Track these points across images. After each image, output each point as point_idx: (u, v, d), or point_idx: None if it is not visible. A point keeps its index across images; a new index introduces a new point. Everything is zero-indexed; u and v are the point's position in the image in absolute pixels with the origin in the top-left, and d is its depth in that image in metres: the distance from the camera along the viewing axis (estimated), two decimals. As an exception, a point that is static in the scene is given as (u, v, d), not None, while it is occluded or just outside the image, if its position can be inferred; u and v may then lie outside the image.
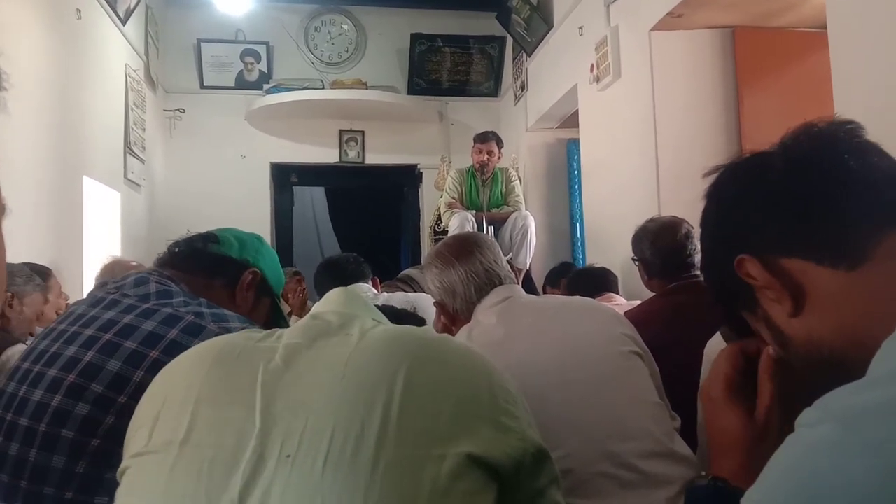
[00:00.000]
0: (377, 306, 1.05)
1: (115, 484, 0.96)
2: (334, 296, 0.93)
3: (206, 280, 1.27)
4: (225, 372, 0.79)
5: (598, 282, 3.03)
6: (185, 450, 0.73)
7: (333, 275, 2.52)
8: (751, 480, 0.64)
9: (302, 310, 3.67)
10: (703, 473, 0.71)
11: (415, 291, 2.54)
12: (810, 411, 0.48)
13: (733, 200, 0.71)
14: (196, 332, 1.07)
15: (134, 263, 2.72)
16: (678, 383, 1.35)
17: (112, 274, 2.40)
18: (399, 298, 2.28)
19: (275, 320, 1.40)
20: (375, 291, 2.37)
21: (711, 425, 0.73)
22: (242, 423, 0.72)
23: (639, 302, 2.25)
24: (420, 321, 1.41)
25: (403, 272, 2.81)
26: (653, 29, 3.23)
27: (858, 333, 0.57)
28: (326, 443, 0.69)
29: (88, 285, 3.51)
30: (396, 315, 1.22)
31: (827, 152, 0.66)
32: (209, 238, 1.34)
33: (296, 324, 0.89)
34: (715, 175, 0.74)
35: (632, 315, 1.98)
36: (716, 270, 0.73)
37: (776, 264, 0.64)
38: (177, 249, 1.33)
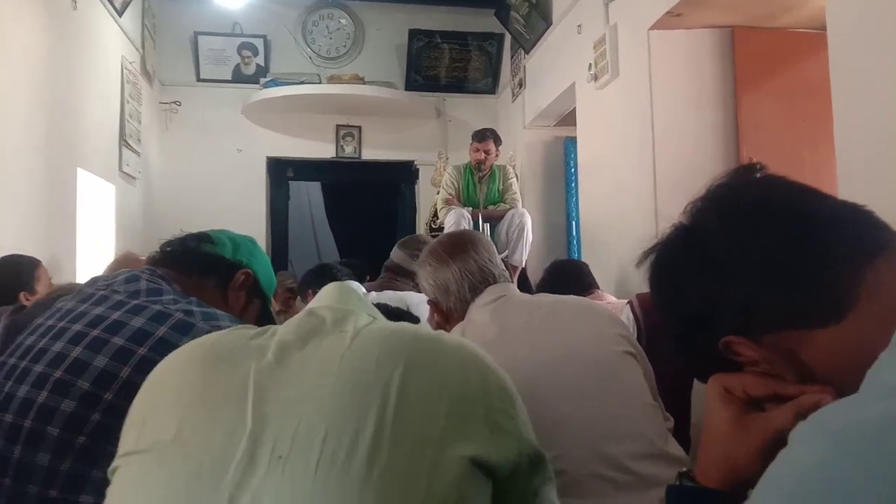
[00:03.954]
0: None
1: (101, 482, 0.95)
2: (329, 291, 0.91)
3: (198, 279, 1.27)
4: (216, 370, 0.77)
5: (578, 280, 2.98)
6: (175, 450, 0.71)
7: (324, 280, 2.59)
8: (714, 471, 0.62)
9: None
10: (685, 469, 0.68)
11: (405, 282, 2.51)
12: (805, 425, 0.45)
13: (692, 286, 0.65)
14: (185, 330, 1.06)
15: (143, 258, 2.71)
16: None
17: (124, 266, 2.40)
18: (389, 297, 2.27)
19: (263, 323, 1.39)
20: (365, 290, 2.37)
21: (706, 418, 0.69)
22: (233, 423, 0.71)
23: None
24: (415, 320, 1.39)
25: (389, 261, 2.68)
26: (651, 28, 3.22)
27: (860, 380, 0.52)
28: (319, 444, 0.67)
29: (82, 278, 3.48)
30: (391, 315, 1.20)
31: (763, 206, 0.62)
32: (203, 238, 1.34)
33: (290, 319, 0.86)
34: (654, 257, 0.69)
35: None
36: (696, 352, 0.67)
37: (765, 339, 0.60)
38: (169, 248, 1.32)
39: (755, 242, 0.61)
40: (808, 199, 0.64)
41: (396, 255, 2.65)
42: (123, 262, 2.61)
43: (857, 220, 0.61)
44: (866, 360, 0.47)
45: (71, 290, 2.16)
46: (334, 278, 2.63)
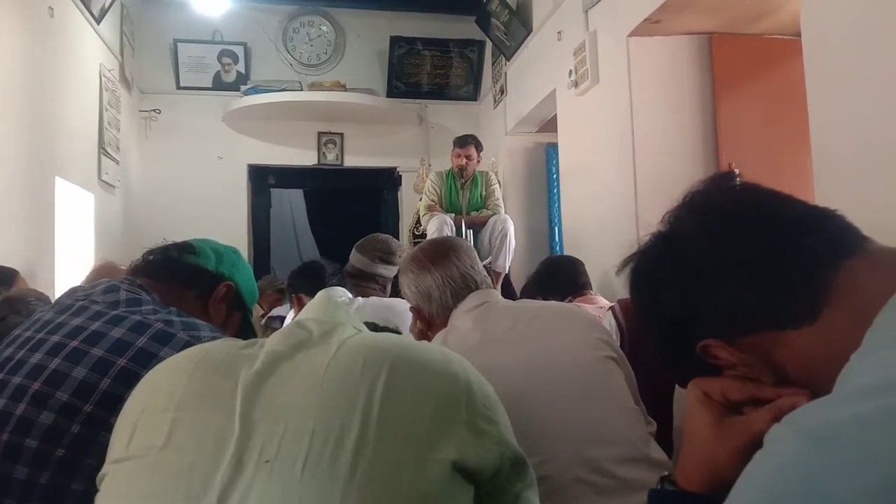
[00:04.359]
0: None
1: (81, 495, 0.94)
2: (317, 303, 0.94)
3: (178, 290, 1.26)
4: (206, 378, 0.79)
5: (573, 279, 2.95)
6: (165, 454, 0.73)
7: (312, 280, 2.57)
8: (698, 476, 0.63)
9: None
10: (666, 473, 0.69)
11: (369, 286, 2.47)
12: (780, 427, 0.46)
13: (670, 292, 0.66)
14: (165, 340, 1.05)
15: (123, 268, 2.68)
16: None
17: (104, 276, 2.37)
18: (376, 304, 2.26)
19: (244, 335, 1.38)
20: (350, 296, 2.35)
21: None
22: (222, 429, 0.72)
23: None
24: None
25: (349, 265, 2.53)
26: (630, 34, 3.24)
27: (834, 380, 0.53)
28: (305, 446, 0.69)
29: (60, 289, 3.44)
30: (377, 330, 1.23)
31: (738, 212, 0.64)
32: (186, 248, 1.33)
33: (278, 330, 0.90)
34: (632, 265, 0.71)
35: None
36: (676, 357, 0.69)
37: (742, 342, 0.61)
38: (151, 257, 1.31)
39: (732, 246, 0.63)
40: (780, 203, 0.65)
41: (356, 259, 2.53)
42: (103, 271, 2.58)
43: (828, 223, 0.63)
44: (839, 361, 0.48)
45: (32, 295, 2.12)
46: (322, 279, 2.59)
